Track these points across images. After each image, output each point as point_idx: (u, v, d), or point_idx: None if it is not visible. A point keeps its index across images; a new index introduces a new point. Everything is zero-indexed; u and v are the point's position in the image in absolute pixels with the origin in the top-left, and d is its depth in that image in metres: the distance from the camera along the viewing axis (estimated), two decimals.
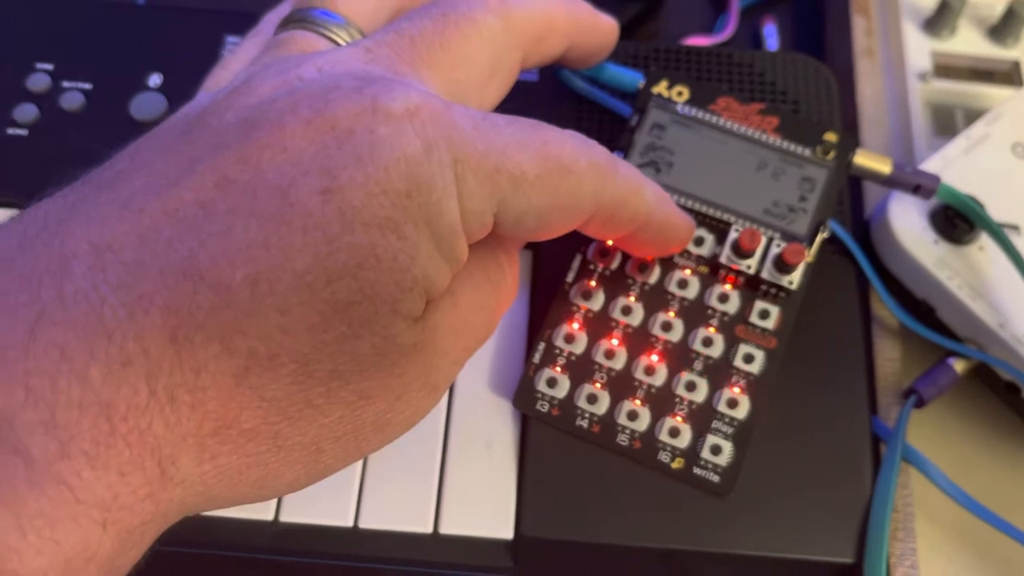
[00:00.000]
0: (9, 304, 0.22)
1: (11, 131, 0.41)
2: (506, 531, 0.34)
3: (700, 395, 0.36)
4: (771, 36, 0.55)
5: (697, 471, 0.35)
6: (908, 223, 0.39)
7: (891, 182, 0.38)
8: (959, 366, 0.38)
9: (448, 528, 0.34)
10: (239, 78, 0.27)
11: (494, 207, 0.26)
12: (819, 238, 0.37)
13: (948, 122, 0.45)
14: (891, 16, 0.49)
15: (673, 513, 0.35)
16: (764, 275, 0.37)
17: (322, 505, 0.35)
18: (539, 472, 0.35)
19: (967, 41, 0.47)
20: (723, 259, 0.37)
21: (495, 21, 0.30)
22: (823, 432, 0.36)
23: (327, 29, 0.30)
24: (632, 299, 0.37)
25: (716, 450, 0.35)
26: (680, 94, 0.40)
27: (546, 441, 0.36)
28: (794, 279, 0.36)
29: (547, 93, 0.43)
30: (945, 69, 0.47)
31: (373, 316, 0.24)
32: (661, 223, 0.32)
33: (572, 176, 0.27)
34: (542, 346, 0.37)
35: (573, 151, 0.28)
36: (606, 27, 0.36)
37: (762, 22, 0.55)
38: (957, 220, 0.38)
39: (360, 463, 0.35)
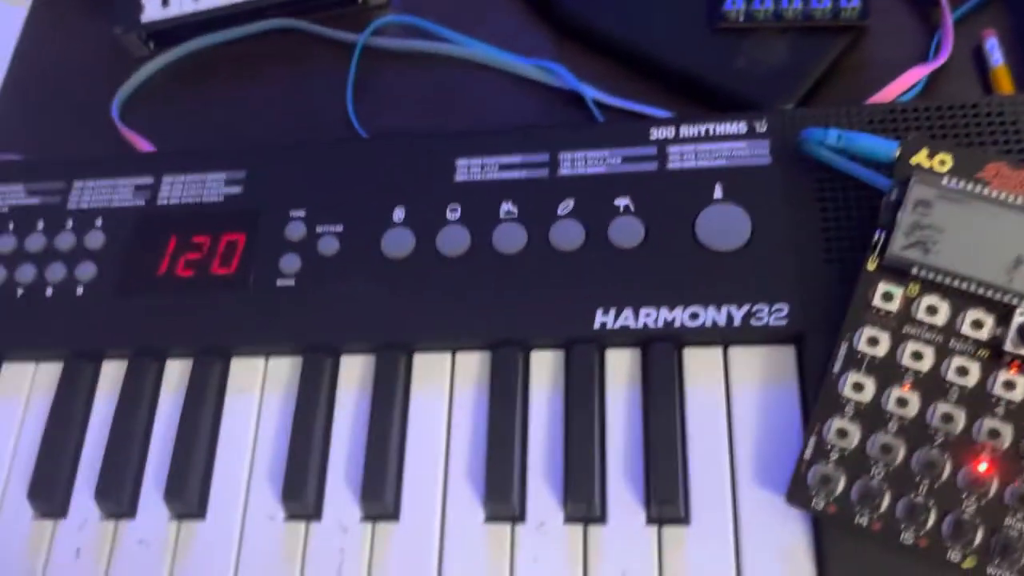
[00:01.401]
0: None
1: (280, 282, 0.45)
2: None
3: (991, 489, 0.34)
4: (994, 50, 0.50)
5: (991, 571, 0.34)
6: None
7: None
8: None
9: None
10: None
11: None
12: None
13: None
14: None
15: None
16: None
17: None
18: None
19: None
20: (1008, 345, 0.35)
21: None
22: None
23: None
24: (906, 389, 0.36)
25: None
26: (943, 163, 0.38)
27: (844, 547, 0.35)
28: None
29: (782, 172, 0.42)
30: None
31: None
32: None
33: None
34: (813, 440, 0.37)
35: None
36: None
37: (981, 35, 0.51)
38: None
39: None
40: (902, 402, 0.36)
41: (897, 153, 0.39)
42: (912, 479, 0.35)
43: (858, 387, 0.36)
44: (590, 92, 0.54)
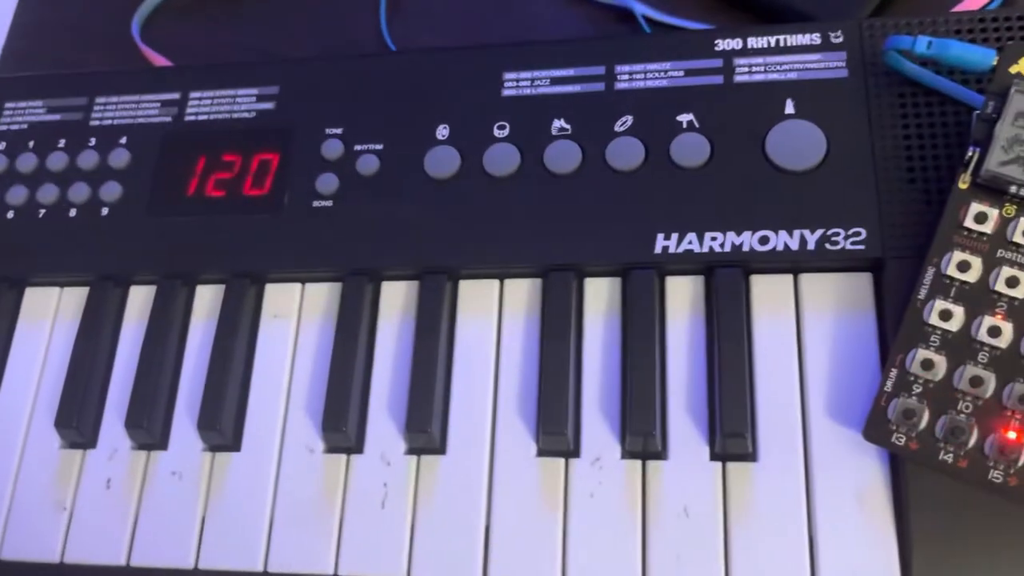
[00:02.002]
0: None
1: (317, 203, 0.42)
2: None
3: None
4: None
5: None
6: None
7: None
8: None
9: None
10: None
11: None
12: None
13: None
14: None
15: None
16: None
17: (691, 573, 0.34)
18: (925, 523, 0.33)
19: None
20: None
21: None
22: None
23: None
24: (999, 318, 0.33)
25: None
26: None
27: (926, 485, 0.33)
28: None
29: (860, 86, 0.39)
30: None
31: None
32: None
33: None
34: (894, 373, 0.34)
35: None
36: None
37: None
38: None
39: (722, 525, 0.34)
40: (995, 331, 0.33)
41: (995, 61, 0.35)
42: (1004, 414, 0.33)
43: (946, 315, 0.34)
44: (640, 7, 0.51)
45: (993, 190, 0.34)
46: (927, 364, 0.33)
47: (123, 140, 0.46)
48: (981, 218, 0.34)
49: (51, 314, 0.44)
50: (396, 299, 0.41)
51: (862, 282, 0.37)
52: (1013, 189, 0.34)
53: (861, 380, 0.36)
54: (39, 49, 0.59)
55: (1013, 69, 0.35)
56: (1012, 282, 0.33)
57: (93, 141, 0.46)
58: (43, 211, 0.45)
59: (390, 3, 0.55)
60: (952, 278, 0.34)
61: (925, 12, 0.42)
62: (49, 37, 0.59)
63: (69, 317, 0.43)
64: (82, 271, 0.44)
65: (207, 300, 0.43)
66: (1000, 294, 0.33)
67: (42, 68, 0.56)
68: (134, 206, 0.44)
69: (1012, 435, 0.32)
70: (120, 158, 0.45)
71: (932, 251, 0.34)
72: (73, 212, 0.44)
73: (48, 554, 0.39)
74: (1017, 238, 0.34)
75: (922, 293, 0.34)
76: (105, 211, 0.44)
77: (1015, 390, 0.32)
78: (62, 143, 0.46)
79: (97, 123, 0.47)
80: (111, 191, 0.44)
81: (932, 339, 0.34)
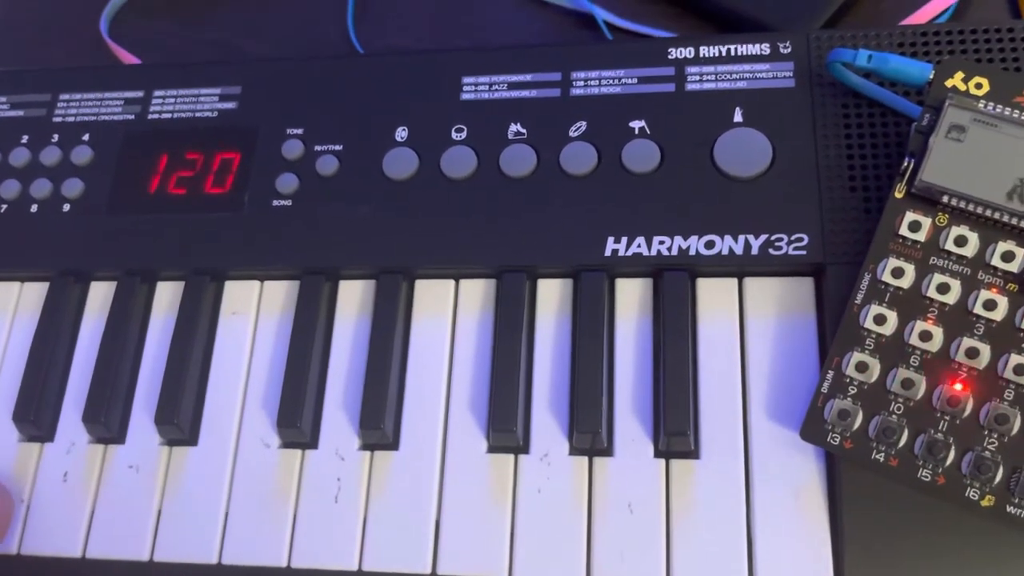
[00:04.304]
0: None
1: (276, 203, 0.43)
2: None
3: (1014, 427, 0.33)
4: None
5: (1011, 510, 0.33)
6: None
7: None
8: None
9: None
10: None
11: None
12: None
13: None
14: None
15: (990, 560, 0.33)
16: None
17: (633, 569, 0.35)
18: (857, 519, 0.34)
19: None
20: None
21: None
22: None
23: None
24: (930, 322, 0.35)
25: None
26: (979, 86, 0.36)
27: (859, 483, 0.34)
28: None
29: (805, 96, 0.40)
30: None
31: None
32: None
33: None
34: (831, 375, 0.35)
35: None
36: None
37: None
38: None
39: (664, 520, 0.36)
40: (926, 335, 0.34)
41: (931, 75, 0.36)
42: (933, 415, 0.34)
43: (880, 319, 0.35)
44: (601, 13, 0.52)
45: (927, 200, 0.35)
46: (862, 367, 0.35)
47: (86, 137, 0.46)
48: (915, 226, 0.35)
49: (11, 309, 0.44)
50: (353, 298, 0.42)
51: (804, 287, 0.38)
52: (945, 199, 0.35)
53: (801, 381, 0.37)
54: (3, 45, 0.59)
55: (948, 83, 0.36)
56: (943, 288, 0.35)
57: (56, 137, 0.46)
58: (4, 206, 0.45)
59: (358, 4, 0.56)
60: (887, 284, 0.35)
61: (878, 24, 0.43)
62: (14, 33, 0.59)
63: (29, 311, 0.44)
64: (42, 267, 0.44)
65: (167, 297, 0.43)
66: (931, 299, 0.35)
67: (6, 64, 0.56)
68: (96, 203, 0.44)
69: (940, 436, 0.33)
70: (83, 155, 0.45)
71: (869, 257, 0.36)
72: (34, 208, 0.45)
73: (4, 547, 0.39)
74: (949, 246, 0.35)
75: (858, 298, 0.36)
76: (67, 207, 0.45)
77: (944, 392, 0.34)
78: (25, 139, 0.47)
79: (60, 119, 0.47)
80: (73, 188, 0.45)
81: (867, 342, 0.35)
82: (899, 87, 0.39)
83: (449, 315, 0.41)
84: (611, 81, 0.42)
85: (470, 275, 0.41)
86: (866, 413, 0.34)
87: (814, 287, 0.38)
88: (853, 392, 0.35)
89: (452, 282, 0.41)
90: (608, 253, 0.39)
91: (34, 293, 0.44)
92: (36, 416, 0.41)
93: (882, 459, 0.34)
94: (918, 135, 0.36)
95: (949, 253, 0.35)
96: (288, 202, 0.43)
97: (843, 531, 0.34)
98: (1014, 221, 0.34)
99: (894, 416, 0.34)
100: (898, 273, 0.35)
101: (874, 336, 0.35)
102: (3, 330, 0.44)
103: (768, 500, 0.35)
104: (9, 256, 0.44)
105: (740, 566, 0.35)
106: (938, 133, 0.35)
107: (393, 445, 0.39)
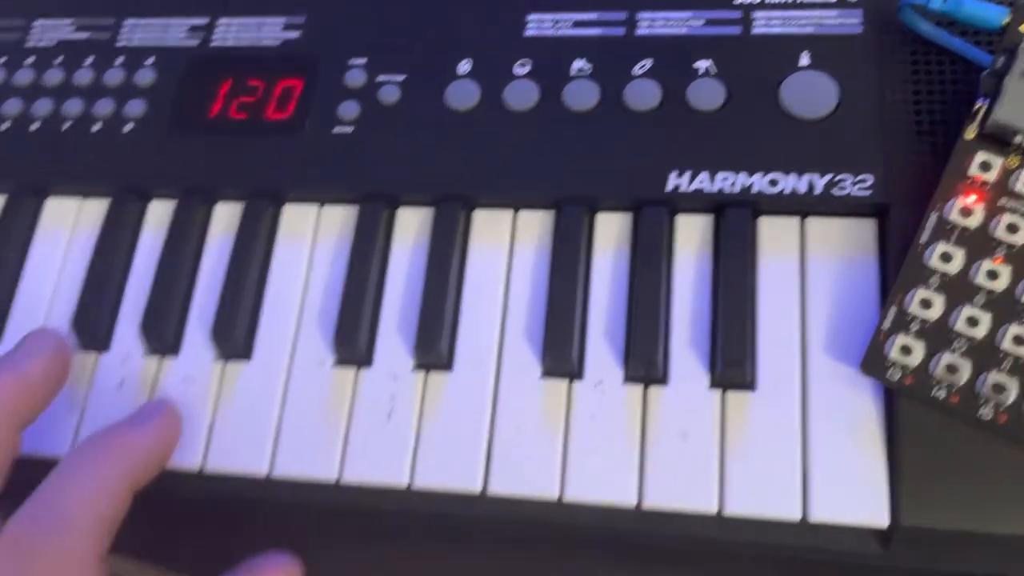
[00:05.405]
0: None
1: (337, 129, 0.43)
2: (879, 519, 0.34)
3: None
4: None
5: None
6: None
7: None
8: None
9: (819, 515, 0.34)
10: None
11: None
12: None
13: None
14: None
15: None
16: None
17: (686, 493, 0.35)
18: (915, 455, 0.34)
19: None
20: None
21: None
22: None
23: None
24: (998, 262, 0.34)
25: None
26: None
27: (918, 420, 0.34)
28: None
29: (874, 42, 0.40)
30: None
31: None
32: None
33: None
34: (893, 311, 0.35)
35: None
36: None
37: None
38: None
39: (718, 449, 0.35)
40: (992, 275, 0.34)
41: (1007, 19, 0.36)
42: (996, 354, 0.34)
43: (946, 258, 0.35)
44: None
45: (998, 141, 0.35)
46: (925, 304, 0.35)
47: (149, 61, 0.47)
48: (985, 167, 0.35)
49: (71, 223, 0.45)
50: (411, 225, 0.42)
51: (866, 228, 0.38)
52: (1018, 139, 0.35)
53: (860, 321, 0.37)
54: None
55: (1023, 28, 0.36)
56: (1012, 228, 0.34)
57: (120, 60, 0.47)
58: (68, 124, 0.46)
59: None
60: (954, 223, 0.35)
61: None
62: None
63: (89, 227, 0.44)
64: (104, 183, 0.44)
65: (225, 218, 0.44)
66: (999, 240, 0.35)
67: None
68: (157, 124, 0.45)
69: (1003, 375, 0.33)
70: (146, 78, 0.46)
71: (936, 197, 0.36)
72: (97, 127, 0.45)
73: (60, 449, 0.40)
74: (1019, 188, 0.35)
75: (924, 237, 0.35)
76: (129, 127, 0.45)
77: (1009, 331, 0.34)
78: (89, 61, 0.47)
79: (125, 43, 0.47)
80: (135, 109, 0.45)
81: (931, 280, 0.35)
82: (970, 34, 0.39)
83: (506, 243, 0.41)
84: (677, 22, 0.42)
85: (529, 206, 0.41)
86: (928, 350, 0.34)
87: (876, 229, 0.38)
88: (916, 329, 0.35)
89: (510, 212, 0.41)
90: (670, 188, 0.39)
91: (95, 209, 0.45)
92: (93, 324, 0.41)
93: (943, 396, 0.34)
94: (991, 78, 0.36)
95: (1019, 195, 0.35)
96: (349, 129, 0.43)
97: (900, 467, 0.34)
98: None
99: (957, 354, 0.34)
100: (966, 213, 0.35)
101: (939, 274, 0.35)
102: (63, 244, 0.44)
103: (824, 434, 0.35)
104: (71, 171, 0.45)
105: (794, 498, 0.34)
106: (1012, 75, 0.35)
107: (447, 366, 0.39)
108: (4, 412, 0.34)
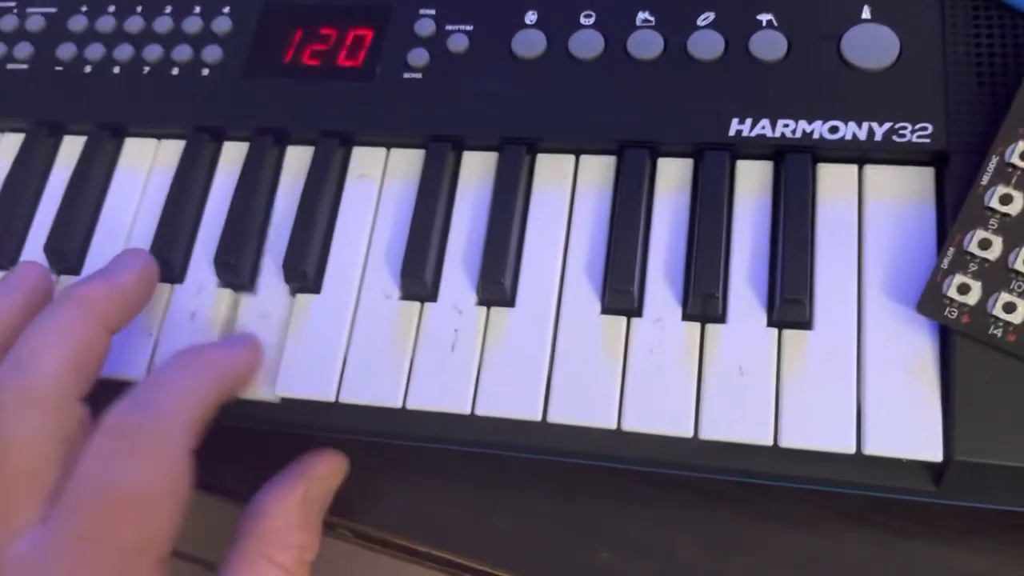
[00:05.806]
0: None
1: (407, 75, 0.45)
2: (933, 453, 0.34)
3: None
4: None
5: None
6: None
7: None
8: None
9: (873, 448, 0.35)
10: None
11: None
12: None
13: None
14: None
15: None
16: None
17: (742, 425, 0.36)
18: (969, 393, 0.34)
19: None
20: None
21: None
22: None
23: None
24: None
25: None
26: None
27: (973, 358, 0.35)
28: None
29: None
30: None
31: None
32: None
33: None
34: (951, 251, 0.36)
35: None
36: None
37: None
38: None
39: (774, 384, 0.36)
40: None
41: None
42: None
43: (1007, 199, 0.35)
44: None
45: None
46: (984, 244, 0.35)
47: (226, 10, 0.48)
48: None
49: (149, 161, 0.46)
50: (476, 168, 0.43)
51: (925, 176, 0.39)
52: None
53: (916, 265, 0.37)
54: None
55: None
56: None
57: (198, 8, 0.49)
58: (147, 68, 0.48)
59: None
60: (1015, 166, 0.36)
61: None
62: None
63: (165, 167, 0.46)
64: (181, 124, 0.46)
65: (296, 160, 0.45)
66: None
67: None
68: (232, 69, 0.47)
69: None
70: (222, 25, 0.48)
71: (997, 141, 0.36)
72: (175, 71, 0.47)
73: (136, 372, 0.41)
74: None
75: (984, 179, 0.36)
76: (205, 71, 0.47)
77: None
78: (168, 9, 0.49)
79: None
80: (212, 54, 0.47)
81: (991, 222, 0.35)
82: None
83: (569, 186, 0.42)
84: None
85: (591, 151, 0.42)
86: (986, 290, 0.35)
87: (935, 178, 0.39)
88: (974, 269, 0.35)
89: (573, 157, 0.42)
90: (732, 133, 0.40)
91: (171, 149, 0.46)
92: (168, 256, 0.43)
93: (1000, 335, 0.34)
94: None
95: None
96: (418, 75, 0.44)
97: (954, 404, 0.34)
98: None
99: (1015, 293, 0.35)
100: None
101: (999, 215, 0.35)
102: (141, 180, 0.46)
103: (880, 371, 0.36)
104: (149, 112, 0.47)
105: (848, 431, 0.35)
106: None
107: (510, 302, 0.40)
108: (97, 312, 0.36)
